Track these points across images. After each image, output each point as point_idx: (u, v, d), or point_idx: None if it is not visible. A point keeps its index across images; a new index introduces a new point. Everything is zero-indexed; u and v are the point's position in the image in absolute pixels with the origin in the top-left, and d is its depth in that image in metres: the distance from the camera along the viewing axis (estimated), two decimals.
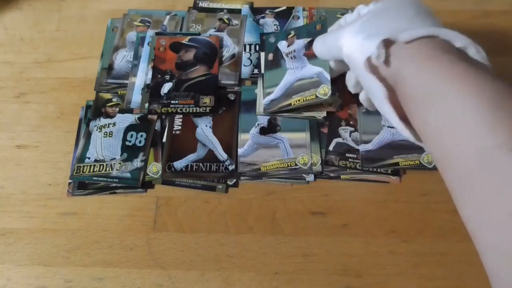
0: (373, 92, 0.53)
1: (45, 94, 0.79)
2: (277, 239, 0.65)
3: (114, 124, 0.73)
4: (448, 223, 0.64)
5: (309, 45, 0.73)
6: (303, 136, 0.71)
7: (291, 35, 0.77)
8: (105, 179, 0.68)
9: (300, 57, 0.74)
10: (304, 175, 0.69)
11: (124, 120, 0.73)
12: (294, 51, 0.75)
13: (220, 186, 0.69)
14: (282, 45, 0.77)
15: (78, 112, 0.76)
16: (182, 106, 0.73)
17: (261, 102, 0.72)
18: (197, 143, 0.71)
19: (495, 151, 0.36)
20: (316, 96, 0.69)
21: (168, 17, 0.84)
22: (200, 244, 0.65)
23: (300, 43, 0.75)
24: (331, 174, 0.69)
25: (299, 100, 0.70)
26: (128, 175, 0.69)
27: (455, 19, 0.83)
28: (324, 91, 0.69)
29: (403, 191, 0.68)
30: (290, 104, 0.70)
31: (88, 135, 0.72)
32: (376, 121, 0.72)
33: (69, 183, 0.69)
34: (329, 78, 0.69)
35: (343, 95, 0.72)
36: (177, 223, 0.67)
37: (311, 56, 0.72)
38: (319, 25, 0.75)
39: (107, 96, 0.76)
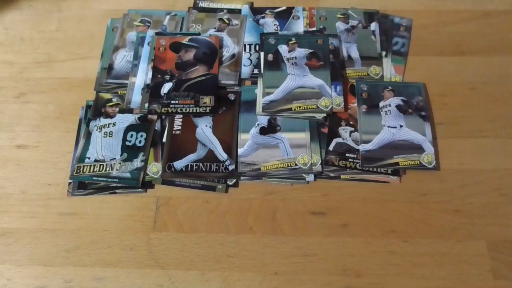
0: None
1: (45, 94, 0.79)
2: (277, 239, 0.65)
3: (114, 124, 0.73)
4: (448, 223, 0.64)
5: (311, 56, 0.76)
6: (303, 136, 0.71)
7: (292, 42, 0.78)
8: (105, 179, 0.68)
9: (302, 65, 0.75)
10: (304, 175, 0.69)
11: (124, 120, 0.73)
12: (295, 58, 0.76)
13: (220, 186, 0.69)
14: (283, 49, 0.78)
15: (78, 112, 0.76)
16: (182, 106, 0.73)
17: (261, 101, 0.73)
18: (197, 143, 0.71)
19: None
20: (317, 107, 0.71)
21: (168, 17, 0.84)
22: (200, 244, 0.65)
23: (301, 51, 0.77)
24: (331, 174, 0.69)
25: (300, 107, 0.71)
26: (128, 175, 0.69)
27: (455, 19, 0.84)
28: (326, 103, 0.71)
29: (403, 191, 0.68)
30: (290, 109, 0.71)
31: (88, 135, 0.72)
32: (376, 121, 0.72)
33: (69, 183, 0.69)
34: (330, 91, 0.72)
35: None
36: (177, 223, 0.67)
37: (312, 67, 0.75)
38: (321, 40, 0.78)
39: (107, 96, 0.76)
